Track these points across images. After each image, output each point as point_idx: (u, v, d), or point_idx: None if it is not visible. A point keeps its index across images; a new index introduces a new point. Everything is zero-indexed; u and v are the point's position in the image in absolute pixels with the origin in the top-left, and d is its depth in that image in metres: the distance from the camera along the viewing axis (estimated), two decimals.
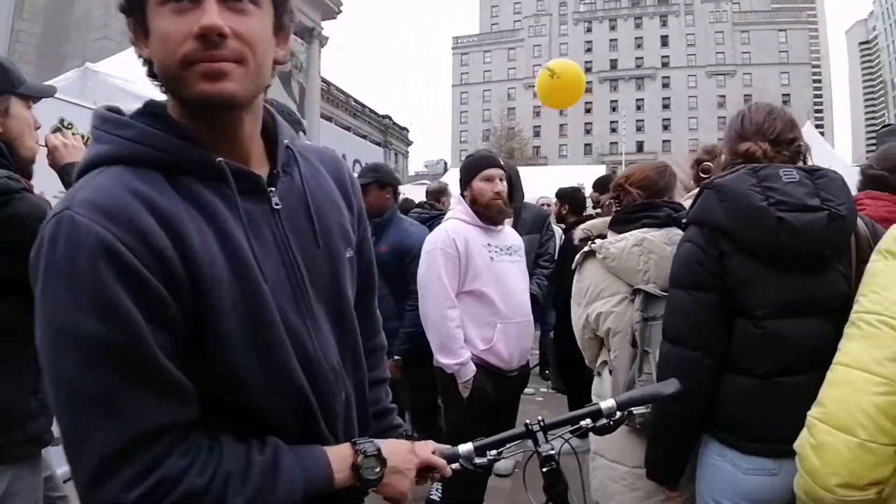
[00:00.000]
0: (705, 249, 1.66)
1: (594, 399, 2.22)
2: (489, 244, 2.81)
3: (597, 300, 2.18)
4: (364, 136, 29.38)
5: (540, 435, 1.21)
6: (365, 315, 1.27)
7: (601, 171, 11.71)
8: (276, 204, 0.99)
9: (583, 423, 1.22)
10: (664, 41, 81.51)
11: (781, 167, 1.65)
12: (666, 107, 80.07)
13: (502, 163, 2.98)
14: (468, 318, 2.73)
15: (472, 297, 2.74)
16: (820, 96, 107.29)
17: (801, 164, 1.75)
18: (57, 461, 1.94)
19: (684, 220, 1.83)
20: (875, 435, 0.96)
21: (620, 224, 2.24)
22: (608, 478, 2.09)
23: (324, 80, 31.29)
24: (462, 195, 2.92)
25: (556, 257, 4.69)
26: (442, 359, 2.72)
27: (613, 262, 2.11)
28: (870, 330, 1.02)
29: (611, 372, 2.18)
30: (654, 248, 2.07)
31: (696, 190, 2.31)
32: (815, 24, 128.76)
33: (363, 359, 1.17)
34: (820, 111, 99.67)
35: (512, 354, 2.79)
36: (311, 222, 1.03)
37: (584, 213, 5.09)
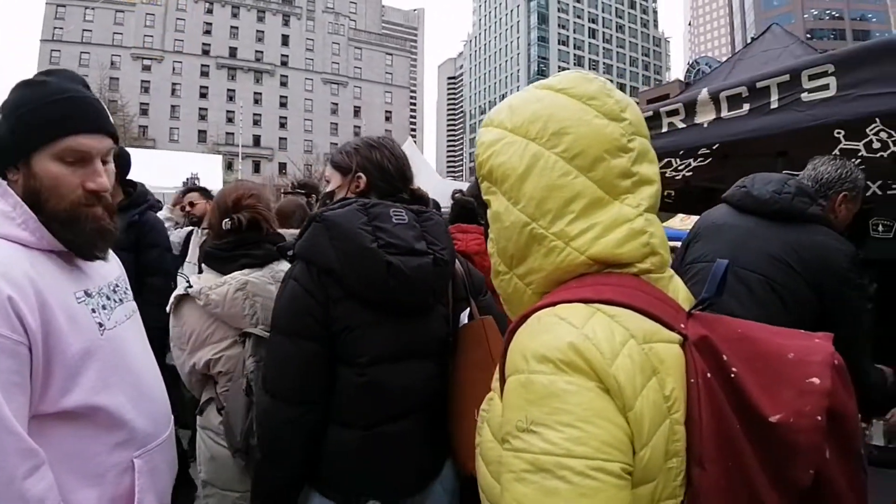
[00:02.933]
0: (313, 293, 1.55)
1: (199, 432, 2.17)
2: (86, 291, 1.39)
3: (204, 347, 2.06)
4: None
5: None
6: None
7: (218, 161, 11.20)
8: None
9: None
10: (285, 40, 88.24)
11: (392, 206, 1.67)
12: (283, 105, 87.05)
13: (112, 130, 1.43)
14: (66, 470, 1.27)
15: (72, 425, 1.30)
16: (415, 117, 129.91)
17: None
18: None
19: (290, 253, 1.70)
20: None
21: (218, 262, 2.15)
22: None
23: None
24: (2, 177, 1.35)
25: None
26: None
27: (217, 310, 2.02)
28: (586, 483, 0.77)
29: (219, 410, 2.09)
30: (258, 290, 2.06)
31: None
32: (416, 54, 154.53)
33: None
34: (414, 129, 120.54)
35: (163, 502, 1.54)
36: None
37: None
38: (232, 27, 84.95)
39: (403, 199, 1.78)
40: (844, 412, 0.85)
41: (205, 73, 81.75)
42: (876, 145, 3.09)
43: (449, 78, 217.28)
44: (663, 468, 0.85)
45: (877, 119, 2.78)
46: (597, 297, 0.90)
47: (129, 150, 3.48)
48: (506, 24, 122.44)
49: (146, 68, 77.41)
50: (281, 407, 1.57)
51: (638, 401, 0.83)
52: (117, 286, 1.54)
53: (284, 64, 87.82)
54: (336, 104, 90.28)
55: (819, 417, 0.81)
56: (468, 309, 1.80)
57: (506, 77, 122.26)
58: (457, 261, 1.84)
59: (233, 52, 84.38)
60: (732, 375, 0.86)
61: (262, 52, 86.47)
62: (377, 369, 1.58)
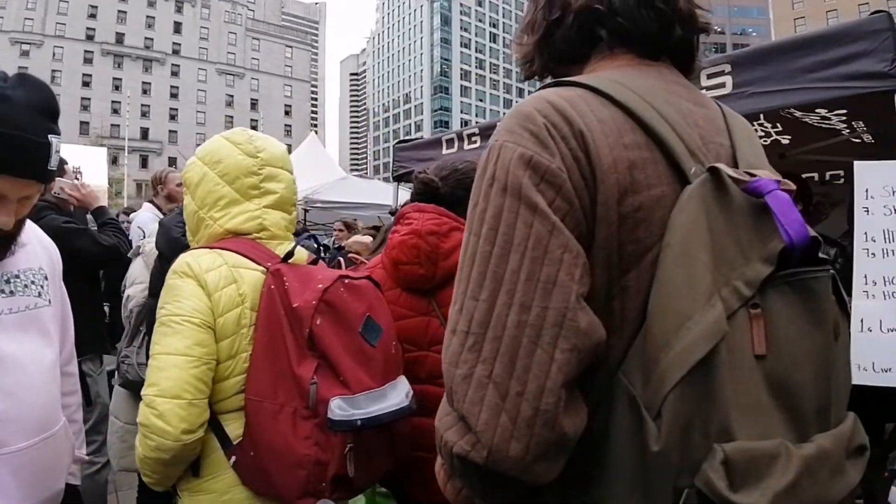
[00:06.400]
0: (159, 268, 2.43)
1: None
2: None
3: (132, 286, 2.83)
4: None
5: None
6: None
7: (103, 154, 11.12)
8: None
9: None
10: (177, 28, 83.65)
11: None
12: (174, 96, 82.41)
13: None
14: None
15: None
16: (316, 112, 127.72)
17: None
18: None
19: None
20: (196, 395, 1.50)
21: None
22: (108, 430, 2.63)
23: None
24: None
25: None
26: None
27: (147, 259, 2.76)
28: (177, 327, 1.52)
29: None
30: None
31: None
32: (317, 48, 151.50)
33: None
34: (316, 124, 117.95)
35: None
36: None
37: None
38: (119, 11, 78.98)
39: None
40: (338, 304, 1.57)
41: (88, 60, 75.74)
42: (760, 133, 3.42)
43: (351, 74, 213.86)
44: (238, 332, 1.60)
45: (761, 116, 3.09)
46: (217, 246, 1.68)
47: None
48: (409, 23, 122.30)
49: (24, 53, 70.47)
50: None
51: (217, 292, 1.59)
52: (16, 277, 1.49)
53: (176, 52, 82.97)
54: (232, 96, 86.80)
55: (314, 302, 1.54)
56: None
57: (409, 76, 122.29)
58: None
59: (120, 39, 78.61)
60: (286, 286, 1.59)
61: (151, 39, 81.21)
62: None
